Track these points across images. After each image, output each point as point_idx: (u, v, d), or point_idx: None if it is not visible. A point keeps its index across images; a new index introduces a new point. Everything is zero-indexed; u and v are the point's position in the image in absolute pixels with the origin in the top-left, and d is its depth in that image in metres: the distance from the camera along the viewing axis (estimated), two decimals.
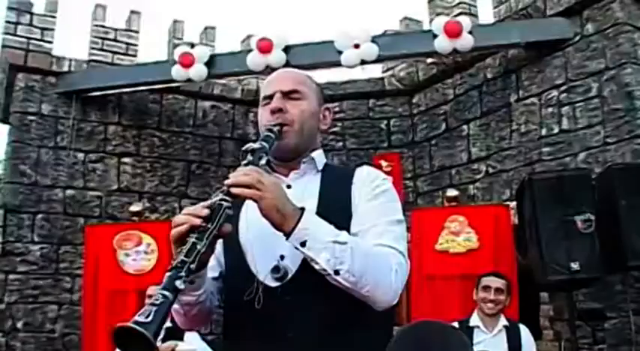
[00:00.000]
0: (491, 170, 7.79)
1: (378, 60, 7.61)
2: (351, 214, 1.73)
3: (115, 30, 8.57)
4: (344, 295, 1.63)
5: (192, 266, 1.44)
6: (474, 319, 4.77)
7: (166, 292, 1.39)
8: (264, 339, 1.66)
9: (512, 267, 6.49)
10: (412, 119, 8.89)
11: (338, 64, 7.50)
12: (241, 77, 8.54)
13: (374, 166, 2.29)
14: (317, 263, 1.57)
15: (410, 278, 7.15)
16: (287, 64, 7.49)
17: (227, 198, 1.54)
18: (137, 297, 6.25)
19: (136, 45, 8.62)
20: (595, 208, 5.50)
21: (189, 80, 7.59)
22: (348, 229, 1.68)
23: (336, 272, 1.56)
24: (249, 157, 1.66)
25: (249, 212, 1.75)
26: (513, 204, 6.57)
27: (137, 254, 6.68)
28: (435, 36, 7.23)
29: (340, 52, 7.40)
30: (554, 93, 7.21)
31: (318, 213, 1.66)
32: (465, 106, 8.27)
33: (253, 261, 1.73)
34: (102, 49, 8.42)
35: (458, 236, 6.56)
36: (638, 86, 6.51)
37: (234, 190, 1.55)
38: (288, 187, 1.77)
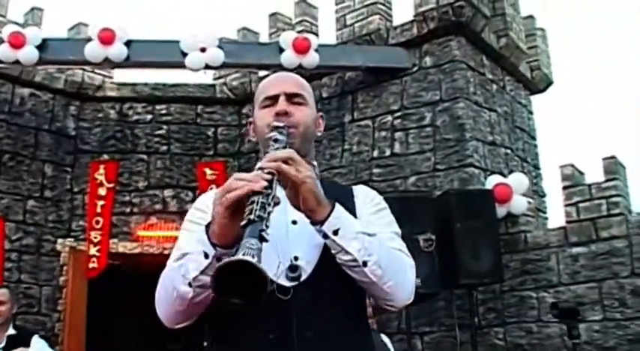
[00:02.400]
0: None
1: (223, 66, 7.49)
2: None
3: None
4: (358, 297, 1.70)
5: (268, 224, 1.39)
6: None
7: (255, 241, 1.33)
8: (279, 339, 1.58)
9: None
10: (240, 129, 8.81)
11: (182, 66, 7.25)
12: (64, 66, 7.91)
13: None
14: (347, 253, 1.56)
15: None
16: (127, 59, 7.14)
17: (274, 172, 1.49)
18: None
19: None
20: (435, 229, 5.84)
21: (17, 62, 6.89)
22: None
23: (364, 263, 1.56)
24: (277, 144, 1.64)
25: None
26: None
27: None
28: (281, 50, 7.25)
29: (185, 54, 7.16)
30: (389, 118, 7.54)
31: None
32: None
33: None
34: None
35: None
36: (468, 119, 7.02)
37: (284, 166, 1.50)
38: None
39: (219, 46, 7.26)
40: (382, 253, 1.59)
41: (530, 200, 6.89)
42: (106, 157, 8.19)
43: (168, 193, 8.32)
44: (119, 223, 7.96)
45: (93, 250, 7.27)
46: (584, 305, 5.80)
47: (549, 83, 8.95)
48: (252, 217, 1.37)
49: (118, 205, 7.93)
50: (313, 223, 1.56)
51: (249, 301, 1.32)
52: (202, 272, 1.50)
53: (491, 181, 6.64)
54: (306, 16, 8.52)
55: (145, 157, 8.42)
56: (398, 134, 7.47)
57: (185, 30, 8.18)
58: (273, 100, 1.79)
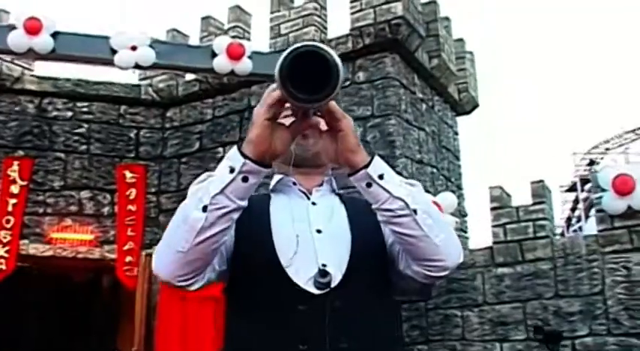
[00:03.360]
0: None
1: (153, 66, 7.25)
2: (382, 238, 1.62)
3: None
4: (391, 304, 1.60)
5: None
6: None
7: None
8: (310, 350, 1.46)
9: None
10: (164, 133, 8.57)
11: (110, 63, 6.98)
12: None
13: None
14: (395, 200, 1.42)
15: (159, 299, 6.91)
16: (53, 52, 6.80)
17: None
18: None
19: None
20: None
21: None
22: (383, 256, 1.61)
23: (415, 211, 1.42)
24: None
25: (278, 213, 1.61)
26: None
27: None
28: (214, 54, 7.09)
29: (115, 51, 6.90)
30: None
31: (353, 234, 1.59)
32: (223, 129, 8.20)
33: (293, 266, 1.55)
34: None
35: None
36: (399, 137, 7.05)
37: (332, 105, 1.38)
38: (313, 204, 1.65)
39: (151, 46, 7.04)
40: (428, 204, 1.48)
41: (457, 220, 6.97)
42: (21, 153, 7.79)
43: (85, 194, 7.99)
44: (31, 224, 7.57)
45: (1, 251, 6.89)
46: (508, 325, 5.90)
47: (475, 106, 9.14)
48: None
49: (31, 204, 7.54)
50: (353, 170, 1.42)
51: (316, 96, 1.24)
52: (222, 190, 1.35)
53: None
54: (239, 22, 8.38)
55: (62, 155, 8.06)
56: None
57: (113, 26, 7.91)
58: None
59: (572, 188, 17.79)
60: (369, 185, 1.43)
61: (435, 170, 7.88)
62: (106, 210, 8.00)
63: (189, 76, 8.41)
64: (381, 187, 1.42)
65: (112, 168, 8.06)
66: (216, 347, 6.02)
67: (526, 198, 6.39)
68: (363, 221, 1.60)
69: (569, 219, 18.61)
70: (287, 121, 1.59)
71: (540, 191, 6.33)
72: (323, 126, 1.45)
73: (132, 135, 8.49)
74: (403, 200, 1.42)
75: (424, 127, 7.80)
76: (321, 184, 1.70)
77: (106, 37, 6.93)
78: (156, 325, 6.78)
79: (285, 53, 1.22)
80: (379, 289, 1.56)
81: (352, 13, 7.48)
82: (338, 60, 1.22)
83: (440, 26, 8.04)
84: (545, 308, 5.89)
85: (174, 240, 1.42)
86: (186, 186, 6.92)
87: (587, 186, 14.27)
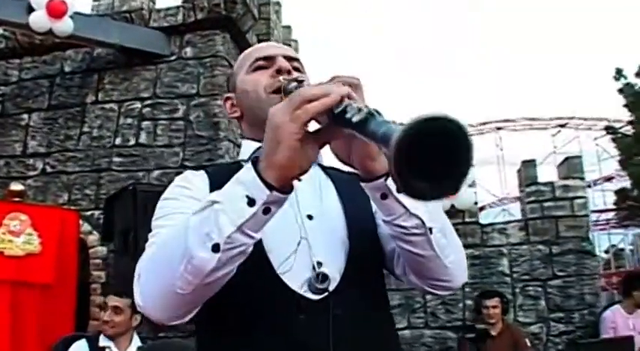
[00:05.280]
0: (49, 169, 7.11)
1: None
2: (374, 221, 1.41)
3: None
4: (387, 309, 1.43)
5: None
6: (103, 340, 4.19)
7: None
8: None
9: (73, 277, 6.07)
10: None
11: None
12: None
13: None
14: (412, 217, 1.23)
15: None
16: None
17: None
18: None
19: None
20: None
21: None
22: (376, 238, 1.40)
23: (430, 230, 1.26)
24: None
25: None
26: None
27: None
28: (31, 9, 6.40)
29: None
30: (138, 105, 7.04)
31: (348, 221, 1.38)
32: (30, 94, 7.47)
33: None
34: None
35: (18, 237, 5.82)
36: (224, 119, 6.79)
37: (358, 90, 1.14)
38: (299, 179, 1.35)
39: None
40: (444, 221, 1.31)
41: None
42: None
43: None
44: None
45: None
46: None
47: None
48: (365, 109, 0.99)
49: None
50: (368, 176, 1.20)
51: (439, 189, 0.90)
52: (240, 227, 1.07)
53: None
54: None
55: None
56: (146, 123, 6.99)
57: None
58: (269, 61, 1.47)
59: None
60: (384, 197, 1.22)
61: None
62: None
63: None
64: (398, 201, 1.22)
65: None
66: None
67: None
68: (355, 202, 1.40)
69: None
70: (261, 74, 1.49)
71: None
72: None
73: None
74: (419, 218, 1.24)
75: None
76: None
77: None
78: None
79: (408, 123, 0.85)
80: (379, 288, 1.37)
81: None
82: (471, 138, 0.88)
83: (272, 10, 7.87)
84: None
85: (170, 280, 1.12)
86: None
87: None
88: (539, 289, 7.51)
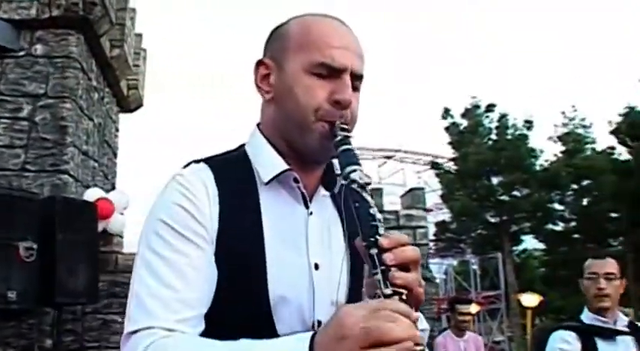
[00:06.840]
0: None
1: None
2: None
3: None
4: None
5: None
6: None
7: None
8: None
9: None
10: None
11: None
12: None
13: None
14: None
15: None
16: None
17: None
18: None
19: None
20: (38, 237, 5.19)
21: None
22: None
23: None
24: (369, 197, 1.09)
25: (272, 227, 1.20)
26: None
27: None
28: None
29: None
30: None
31: (352, 276, 1.27)
32: None
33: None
34: None
35: None
36: (72, 123, 6.50)
37: (418, 289, 1.02)
38: (310, 213, 1.26)
39: None
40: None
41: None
42: None
43: None
44: None
45: None
46: None
47: (140, 105, 8.86)
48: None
49: None
50: None
51: None
52: None
53: (93, 194, 6.23)
54: None
55: None
56: None
57: None
58: (335, 73, 1.20)
59: None
60: None
61: (96, 165, 7.42)
62: None
63: None
64: None
65: None
66: None
67: None
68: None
69: None
70: (321, 86, 1.21)
71: None
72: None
73: None
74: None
75: (93, 117, 7.31)
76: (320, 181, 1.29)
77: None
78: None
79: None
80: None
81: None
82: None
83: (127, 16, 7.65)
84: None
85: None
86: None
87: None
88: None
